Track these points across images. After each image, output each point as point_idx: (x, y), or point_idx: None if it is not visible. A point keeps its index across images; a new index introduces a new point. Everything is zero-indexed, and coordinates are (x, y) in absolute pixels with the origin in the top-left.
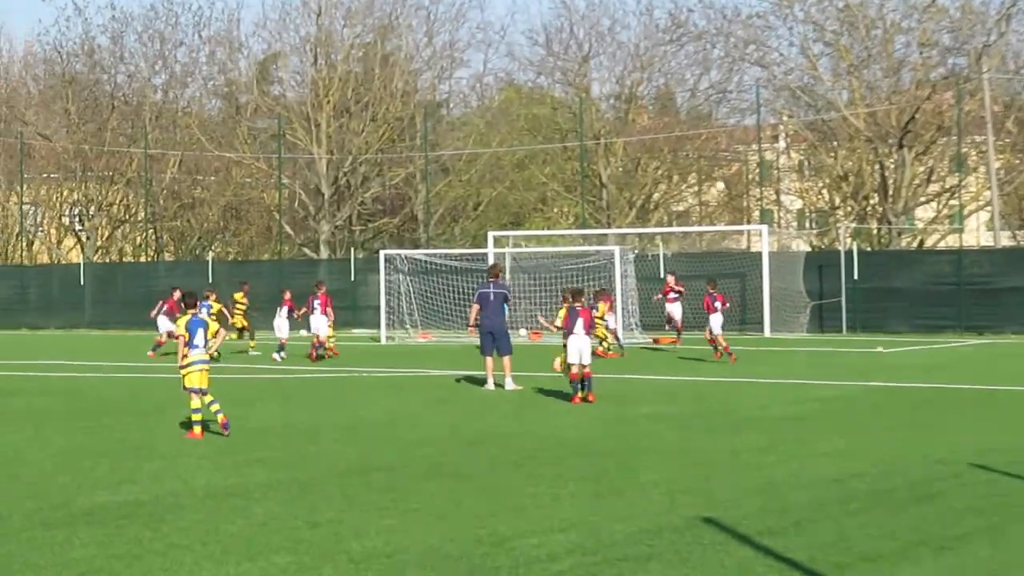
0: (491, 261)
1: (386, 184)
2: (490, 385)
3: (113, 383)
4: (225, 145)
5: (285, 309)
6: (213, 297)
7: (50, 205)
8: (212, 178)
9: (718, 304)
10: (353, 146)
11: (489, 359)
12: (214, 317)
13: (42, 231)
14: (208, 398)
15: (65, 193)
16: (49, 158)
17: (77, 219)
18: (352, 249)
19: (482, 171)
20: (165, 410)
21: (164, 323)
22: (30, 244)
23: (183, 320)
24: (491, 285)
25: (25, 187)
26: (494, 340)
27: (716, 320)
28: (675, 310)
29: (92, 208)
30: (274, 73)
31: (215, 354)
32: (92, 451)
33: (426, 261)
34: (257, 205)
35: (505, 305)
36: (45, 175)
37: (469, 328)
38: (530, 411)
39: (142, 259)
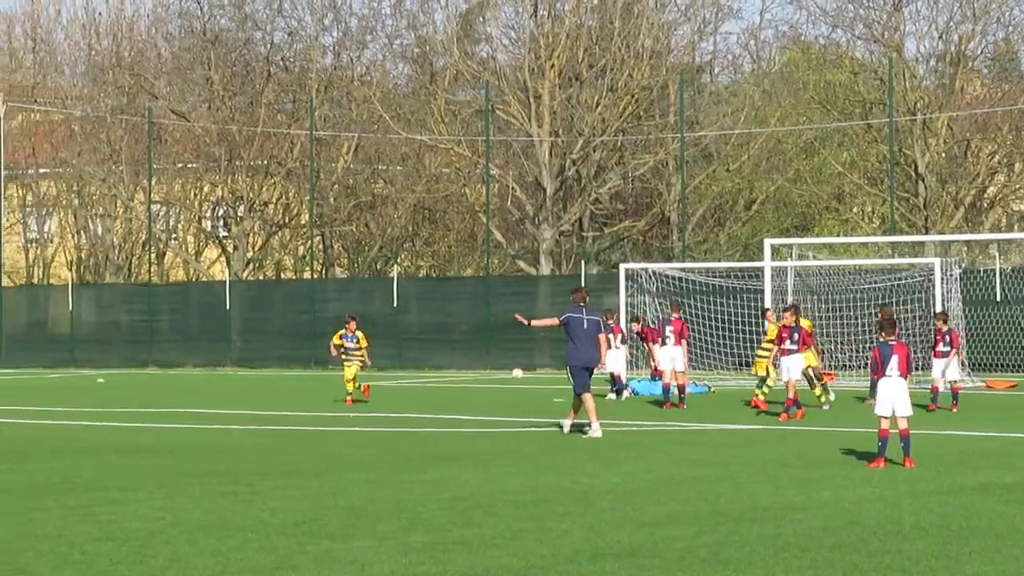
0: (767, 276)
1: (628, 176)
2: (596, 431)
3: (267, 438)
4: (416, 125)
5: (617, 337)
6: (352, 326)
7: (187, 204)
8: (398, 168)
9: None
10: (585, 125)
11: (588, 397)
12: (361, 353)
13: (176, 238)
14: None
15: (206, 189)
16: (185, 142)
17: (221, 223)
18: (583, 263)
19: (757, 158)
20: (335, 472)
21: None
22: (161, 255)
23: None
24: (582, 311)
25: (155, 181)
26: (591, 376)
27: None
28: None
29: (241, 208)
30: (481, 28)
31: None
32: (238, 526)
33: (681, 278)
34: (457, 204)
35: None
36: (180, 165)
37: (524, 318)
38: (817, 478)
39: (306, 275)
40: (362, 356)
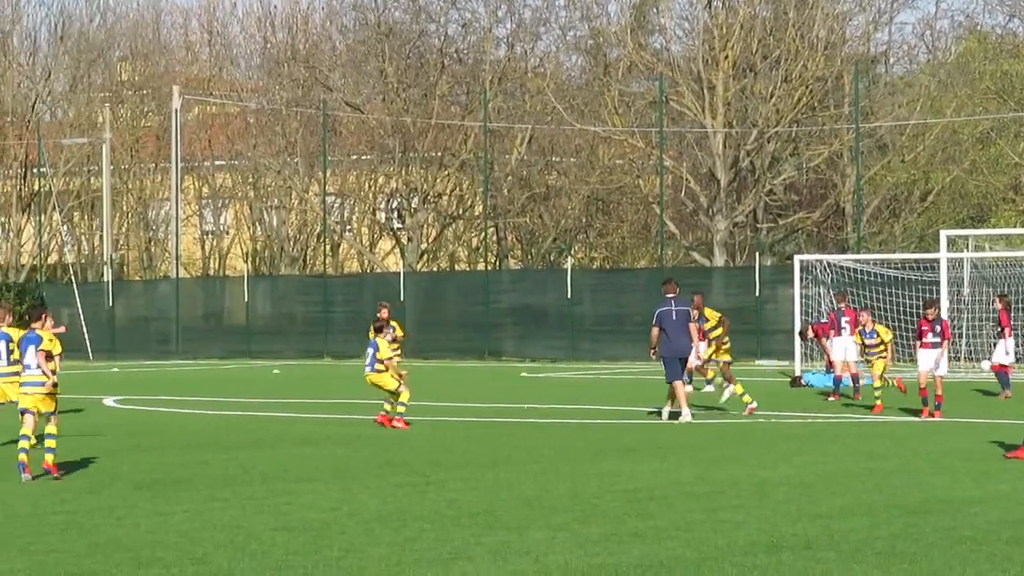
0: (943, 267)
1: (803, 167)
2: (686, 416)
3: (442, 429)
4: (589, 116)
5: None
6: (384, 314)
7: (361, 196)
8: (572, 160)
9: None
10: (759, 116)
11: (679, 385)
12: (397, 345)
13: (350, 230)
14: None
15: (380, 180)
16: (360, 134)
17: (395, 215)
18: (757, 254)
19: (932, 148)
20: (511, 464)
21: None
22: (335, 247)
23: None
24: (671, 302)
25: (329, 173)
26: (683, 365)
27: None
28: None
29: (415, 200)
30: (654, 19)
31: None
32: (414, 517)
33: (856, 270)
34: (631, 195)
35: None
36: (354, 157)
37: (651, 353)
38: (995, 471)
39: (479, 267)
40: (398, 352)
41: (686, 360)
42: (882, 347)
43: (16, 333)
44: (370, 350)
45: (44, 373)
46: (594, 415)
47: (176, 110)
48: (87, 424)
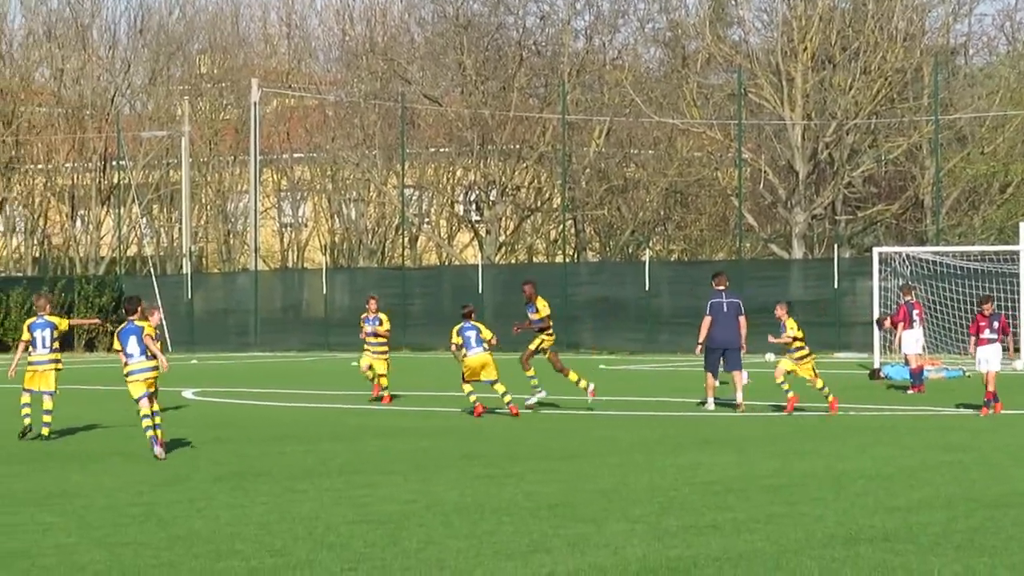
0: (1023, 259)
1: (882, 159)
2: (710, 405)
3: (520, 421)
4: (667, 108)
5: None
6: (373, 306)
7: (439, 189)
8: (650, 152)
9: None
10: (838, 108)
11: (711, 377)
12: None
13: (428, 223)
14: None
15: (459, 173)
16: (438, 127)
17: (473, 207)
18: (835, 246)
19: (1012, 140)
20: (589, 456)
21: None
22: (413, 240)
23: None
24: (722, 295)
25: (407, 165)
26: (723, 356)
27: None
28: None
29: (493, 192)
30: (733, 11)
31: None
32: (492, 509)
33: (935, 262)
34: (709, 188)
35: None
36: (432, 149)
37: (698, 348)
38: None
39: (557, 259)
40: (384, 347)
41: (736, 351)
42: (798, 343)
43: (60, 321)
44: (471, 333)
45: (154, 356)
46: (672, 407)
47: (255, 103)
48: (166, 416)
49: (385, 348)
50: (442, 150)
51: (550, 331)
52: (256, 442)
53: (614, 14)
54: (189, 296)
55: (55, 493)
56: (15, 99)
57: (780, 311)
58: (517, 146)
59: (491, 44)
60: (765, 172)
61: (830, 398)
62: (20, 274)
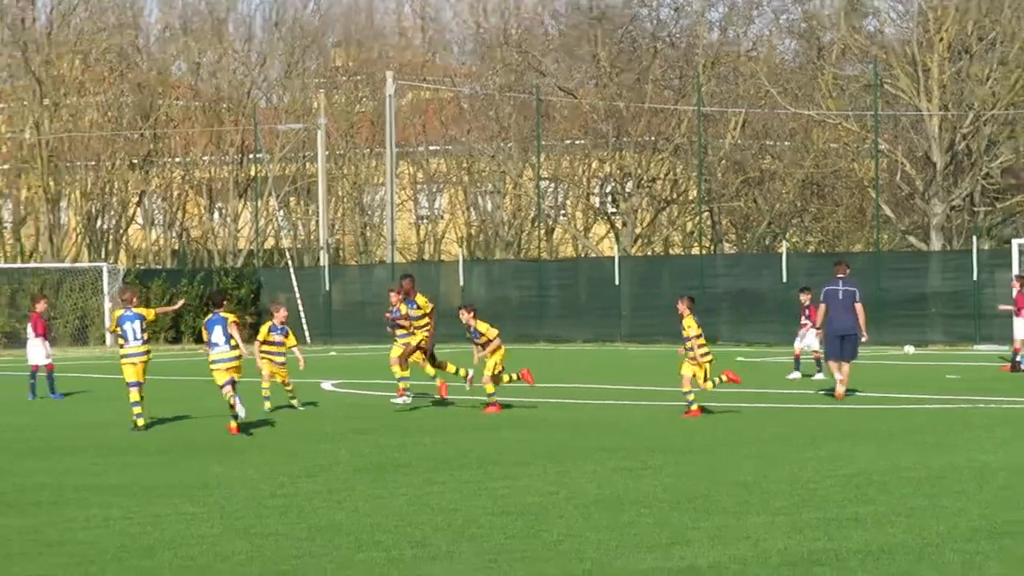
0: None
1: (1020, 150)
2: (840, 389)
3: (658, 413)
4: (803, 100)
5: None
6: (407, 286)
7: (575, 181)
8: (786, 144)
9: None
10: (975, 99)
11: (835, 363)
12: (426, 325)
13: (564, 215)
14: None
15: (594, 165)
16: (573, 119)
17: (609, 199)
18: (974, 238)
19: None
20: (727, 448)
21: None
22: (549, 232)
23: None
24: (839, 282)
25: (543, 157)
26: (843, 343)
27: None
28: None
29: (629, 185)
30: (868, 2)
31: None
32: (631, 501)
33: None
34: (846, 179)
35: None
36: (568, 142)
37: (816, 332)
38: None
39: (694, 251)
40: (427, 330)
41: (852, 337)
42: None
43: (148, 312)
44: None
45: (238, 344)
46: (809, 400)
47: (390, 96)
48: (306, 409)
49: (426, 333)
50: (577, 142)
51: (429, 327)
52: (395, 433)
53: (748, 5)
54: (327, 288)
55: (196, 484)
56: (153, 92)
57: (682, 306)
58: (652, 138)
59: (625, 36)
60: (902, 163)
61: (693, 407)
62: (159, 266)
